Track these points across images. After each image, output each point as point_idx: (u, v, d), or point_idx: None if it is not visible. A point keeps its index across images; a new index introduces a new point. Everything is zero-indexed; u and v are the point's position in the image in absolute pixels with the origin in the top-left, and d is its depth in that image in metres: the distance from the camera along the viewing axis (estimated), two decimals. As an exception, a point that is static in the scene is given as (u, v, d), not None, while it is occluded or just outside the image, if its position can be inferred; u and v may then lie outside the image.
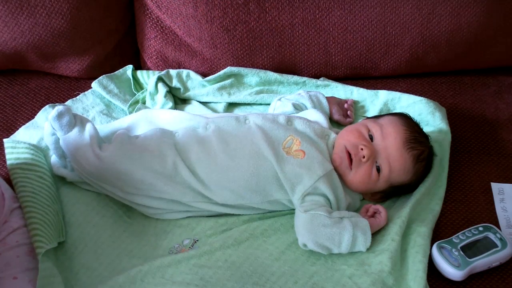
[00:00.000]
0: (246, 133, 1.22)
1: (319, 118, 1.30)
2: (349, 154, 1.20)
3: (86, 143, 1.18)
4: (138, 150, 1.19)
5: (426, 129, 1.33)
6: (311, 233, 1.11)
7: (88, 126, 1.21)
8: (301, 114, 1.33)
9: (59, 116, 1.18)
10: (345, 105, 1.42)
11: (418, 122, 1.30)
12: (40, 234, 1.09)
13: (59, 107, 1.18)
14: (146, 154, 1.19)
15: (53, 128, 1.20)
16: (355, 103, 1.46)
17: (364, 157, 1.19)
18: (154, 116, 1.31)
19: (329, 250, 1.13)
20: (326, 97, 1.40)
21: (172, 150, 1.19)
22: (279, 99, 1.39)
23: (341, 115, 1.40)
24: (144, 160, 1.18)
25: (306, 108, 1.37)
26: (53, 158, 1.27)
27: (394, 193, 1.26)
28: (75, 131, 1.19)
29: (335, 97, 1.44)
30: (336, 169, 1.21)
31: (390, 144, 1.21)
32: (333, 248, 1.12)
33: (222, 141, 1.20)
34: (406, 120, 1.26)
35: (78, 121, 1.21)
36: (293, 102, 1.37)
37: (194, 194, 1.19)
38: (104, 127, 1.32)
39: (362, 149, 1.20)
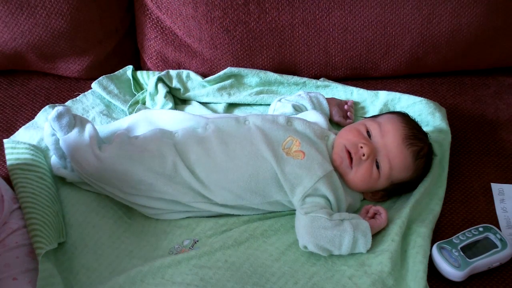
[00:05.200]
0: (246, 134, 1.21)
1: (318, 119, 1.30)
2: (349, 153, 1.20)
3: (86, 143, 1.18)
4: (137, 150, 1.19)
5: (426, 129, 1.33)
6: (312, 236, 1.11)
7: (88, 127, 1.21)
8: (301, 115, 1.33)
9: (59, 116, 1.18)
10: (345, 106, 1.42)
11: (417, 121, 1.30)
12: (40, 235, 1.08)
13: (58, 108, 1.18)
14: (145, 154, 1.19)
15: (53, 129, 1.20)
16: (355, 104, 1.46)
17: (364, 155, 1.19)
18: (154, 116, 1.31)
19: (330, 252, 1.13)
20: (326, 98, 1.40)
21: (172, 150, 1.19)
22: (279, 100, 1.39)
23: (341, 117, 1.40)
24: (144, 160, 1.18)
25: (306, 109, 1.37)
26: (53, 158, 1.27)
27: (395, 191, 1.26)
28: (74, 131, 1.19)
29: (335, 98, 1.44)
30: (336, 169, 1.21)
31: (390, 141, 1.21)
32: (333, 250, 1.12)
33: (222, 142, 1.20)
34: (404, 117, 1.27)
35: (78, 121, 1.21)
36: (293, 103, 1.37)
37: (194, 194, 1.19)
38: (104, 127, 1.32)
39: (361, 147, 1.20)
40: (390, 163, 1.20)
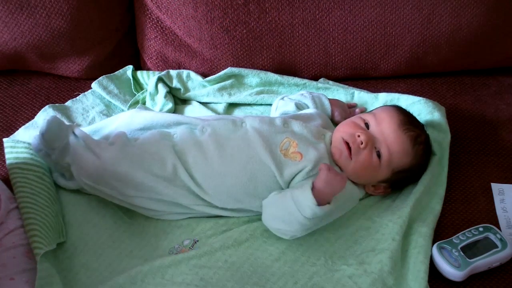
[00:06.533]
0: (243, 136, 1.21)
1: (317, 118, 1.30)
2: (348, 145, 1.21)
3: (82, 147, 1.17)
4: (137, 153, 1.19)
5: (426, 129, 1.32)
6: (266, 212, 1.14)
7: (78, 132, 1.19)
8: (300, 112, 1.33)
9: (45, 138, 1.16)
10: (357, 110, 1.41)
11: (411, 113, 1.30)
12: (39, 235, 1.08)
13: (39, 134, 1.16)
14: (146, 157, 1.18)
15: (47, 148, 1.18)
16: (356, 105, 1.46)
17: (362, 143, 1.20)
18: (148, 116, 1.30)
19: (289, 223, 1.10)
20: (330, 100, 1.39)
21: (171, 152, 1.19)
22: (282, 98, 1.39)
23: (344, 118, 1.39)
24: (144, 163, 1.17)
25: (308, 108, 1.37)
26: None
27: (397, 182, 1.26)
28: (70, 140, 1.18)
29: (338, 100, 1.43)
30: (336, 162, 1.22)
31: (386, 128, 1.22)
32: (286, 216, 1.10)
33: (219, 145, 1.20)
34: (398, 107, 1.29)
35: (68, 131, 1.19)
36: (296, 101, 1.37)
37: (194, 198, 1.19)
38: (96, 125, 1.32)
39: (359, 136, 1.20)
40: (388, 149, 1.21)
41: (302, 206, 1.08)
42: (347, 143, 1.21)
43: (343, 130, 1.24)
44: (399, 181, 1.26)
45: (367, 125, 1.24)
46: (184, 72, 1.51)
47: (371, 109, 1.45)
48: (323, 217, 1.10)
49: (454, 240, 1.15)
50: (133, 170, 1.16)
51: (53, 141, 1.17)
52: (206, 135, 1.22)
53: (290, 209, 1.09)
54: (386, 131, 1.22)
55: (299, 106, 1.36)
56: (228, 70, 1.49)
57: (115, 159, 1.17)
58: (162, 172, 1.17)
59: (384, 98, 1.45)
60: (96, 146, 1.18)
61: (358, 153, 1.20)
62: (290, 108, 1.35)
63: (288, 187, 1.18)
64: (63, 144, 1.18)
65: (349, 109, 1.42)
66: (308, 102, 1.37)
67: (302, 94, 1.39)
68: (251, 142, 1.20)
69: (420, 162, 1.25)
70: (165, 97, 1.44)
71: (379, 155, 1.21)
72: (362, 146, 1.20)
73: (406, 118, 1.24)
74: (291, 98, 1.38)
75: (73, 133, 1.19)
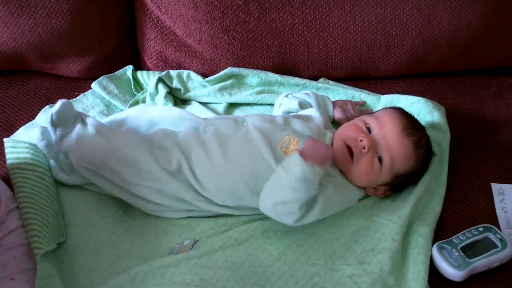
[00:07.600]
0: (244, 135, 1.21)
1: (317, 118, 1.30)
2: (349, 149, 1.20)
3: (90, 132, 1.19)
4: (147, 143, 1.20)
5: (426, 129, 1.32)
6: (261, 197, 1.14)
7: (89, 120, 1.22)
8: (302, 112, 1.33)
9: (60, 113, 1.18)
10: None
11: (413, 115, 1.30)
12: (39, 235, 1.08)
13: (54, 111, 1.18)
14: (154, 147, 1.20)
15: (52, 126, 1.20)
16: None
17: (364, 148, 1.19)
18: (153, 113, 1.30)
19: (281, 189, 1.10)
20: (334, 102, 1.39)
21: (177, 150, 1.20)
22: (286, 96, 1.39)
23: (343, 117, 1.38)
24: (153, 151, 1.18)
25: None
26: (52, 161, 1.27)
27: (398, 185, 1.26)
28: (78, 127, 1.20)
29: (342, 99, 1.43)
30: (337, 165, 1.22)
31: (388, 132, 1.21)
32: (278, 184, 1.10)
33: (221, 144, 1.20)
34: (400, 110, 1.28)
35: (77, 118, 1.22)
36: (300, 100, 1.36)
37: (195, 193, 1.19)
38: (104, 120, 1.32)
39: (361, 140, 1.20)
40: (391, 153, 1.20)
41: (291, 167, 1.08)
42: (348, 147, 1.21)
43: (345, 134, 1.23)
44: (400, 184, 1.26)
45: (368, 129, 1.23)
46: (184, 72, 1.51)
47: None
48: (314, 181, 1.09)
49: (454, 240, 1.15)
50: (142, 155, 1.17)
51: (62, 122, 1.19)
52: (209, 134, 1.22)
53: (280, 177, 1.10)
54: (389, 135, 1.21)
55: (302, 105, 1.36)
56: (228, 70, 1.49)
57: (126, 143, 1.18)
58: (168, 167, 1.18)
59: (384, 99, 1.45)
60: (107, 130, 1.20)
61: (360, 157, 1.20)
62: (293, 106, 1.35)
63: None
64: (68, 129, 1.20)
65: (350, 107, 1.40)
66: (312, 101, 1.37)
67: (307, 94, 1.39)
68: (252, 139, 1.20)
69: (421, 166, 1.25)
70: (165, 97, 1.44)
71: (380, 160, 1.21)
72: (364, 150, 1.20)
73: (409, 122, 1.23)
74: (296, 96, 1.38)
75: (82, 120, 1.21)
